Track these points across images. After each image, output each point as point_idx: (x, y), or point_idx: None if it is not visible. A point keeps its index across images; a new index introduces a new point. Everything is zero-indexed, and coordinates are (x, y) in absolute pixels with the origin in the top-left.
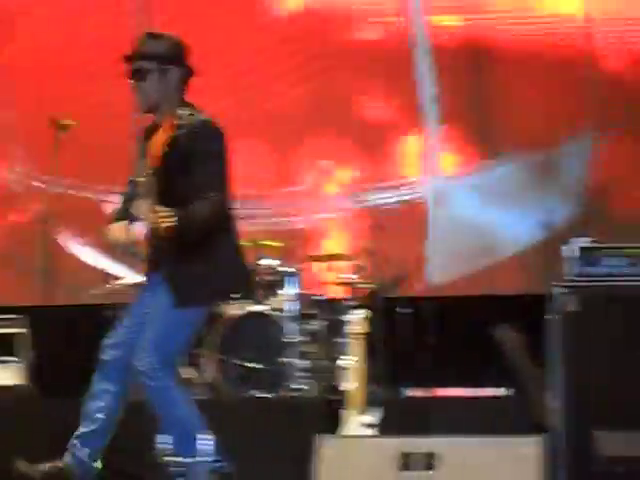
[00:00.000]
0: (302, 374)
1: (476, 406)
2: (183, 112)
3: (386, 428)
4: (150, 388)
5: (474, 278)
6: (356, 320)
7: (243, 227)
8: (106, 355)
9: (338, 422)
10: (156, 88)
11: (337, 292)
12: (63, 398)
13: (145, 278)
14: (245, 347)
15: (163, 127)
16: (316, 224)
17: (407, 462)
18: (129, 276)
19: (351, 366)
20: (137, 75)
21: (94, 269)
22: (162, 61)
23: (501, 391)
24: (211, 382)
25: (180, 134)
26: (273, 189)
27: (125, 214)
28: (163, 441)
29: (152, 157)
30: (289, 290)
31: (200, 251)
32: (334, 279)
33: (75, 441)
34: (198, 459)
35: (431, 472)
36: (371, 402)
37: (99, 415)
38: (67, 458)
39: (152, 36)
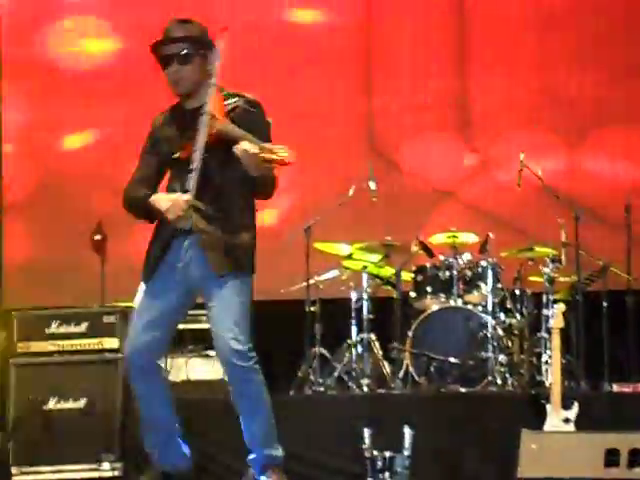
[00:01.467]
0: (502, 369)
1: None
2: (229, 93)
3: (589, 423)
4: (243, 370)
5: None
6: (556, 314)
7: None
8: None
9: (541, 417)
10: (199, 71)
11: (537, 286)
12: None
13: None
14: (444, 341)
15: (212, 108)
16: (514, 216)
17: (612, 458)
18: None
19: (551, 360)
20: (179, 59)
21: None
22: (203, 45)
23: None
24: (409, 376)
25: (237, 114)
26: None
27: (146, 195)
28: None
29: (206, 136)
30: (489, 284)
31: (244, 222)
32: (534, 273)
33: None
34: (402, 453)
35: (638, 469)
36: (570, 397)
37: None
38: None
39: (183, 21)
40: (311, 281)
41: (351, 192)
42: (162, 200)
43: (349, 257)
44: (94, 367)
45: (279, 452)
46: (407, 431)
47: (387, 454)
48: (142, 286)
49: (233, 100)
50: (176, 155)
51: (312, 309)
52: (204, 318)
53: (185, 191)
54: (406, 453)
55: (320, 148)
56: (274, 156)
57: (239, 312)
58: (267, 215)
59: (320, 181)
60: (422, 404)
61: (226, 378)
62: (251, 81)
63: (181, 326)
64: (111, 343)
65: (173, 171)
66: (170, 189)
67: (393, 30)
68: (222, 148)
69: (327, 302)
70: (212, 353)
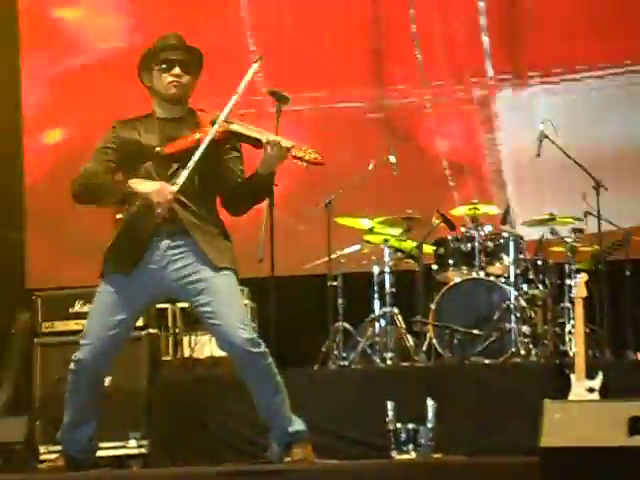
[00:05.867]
0: (525, 339)
1: None
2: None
3: (612, 392)
4: (261, 355)
5: None
6: (579, 284)
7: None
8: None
9: (566, 387)
10: (193, 86)
11: (559, 256)
12: (289, 368)
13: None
14: (467, 313)
15: (197, 121)
16: (533, 187)
17: (636, 426)
18: (349, 247)
19: (574, 330)
20: (183, 66)
21: (312, 241)
22: (200, 67)
23: None
24: (433, 349)
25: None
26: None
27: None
28: (392, 410)
29: (183, 144)
30: (511, 255)
31: (224, 229)
32: (555, 243)
33: None
34: (426, 425)
35: None
36: (594, 366)
37: None
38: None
39: (182, 38)
40: (333, 256)
41: (371, 166)
42: (147, 183)
43: (370, 231)
44: None
45: (303, 426)
46: (430, 403)
47: (411, 426)
48: (105, 284)
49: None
50: (158, 149)
51: (334, 284)
52: None
53: (173, 183)
54: (430, 425)
55: (339, 122)
56: (306, 156)
57: (241, 304)
58: (287, 191)
59: (341, 156)
60: (446, 377)
61: None
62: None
63: None
64: None
65: (144, 166)
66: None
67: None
68: (218, 150)
69: (349, 276)
70: None
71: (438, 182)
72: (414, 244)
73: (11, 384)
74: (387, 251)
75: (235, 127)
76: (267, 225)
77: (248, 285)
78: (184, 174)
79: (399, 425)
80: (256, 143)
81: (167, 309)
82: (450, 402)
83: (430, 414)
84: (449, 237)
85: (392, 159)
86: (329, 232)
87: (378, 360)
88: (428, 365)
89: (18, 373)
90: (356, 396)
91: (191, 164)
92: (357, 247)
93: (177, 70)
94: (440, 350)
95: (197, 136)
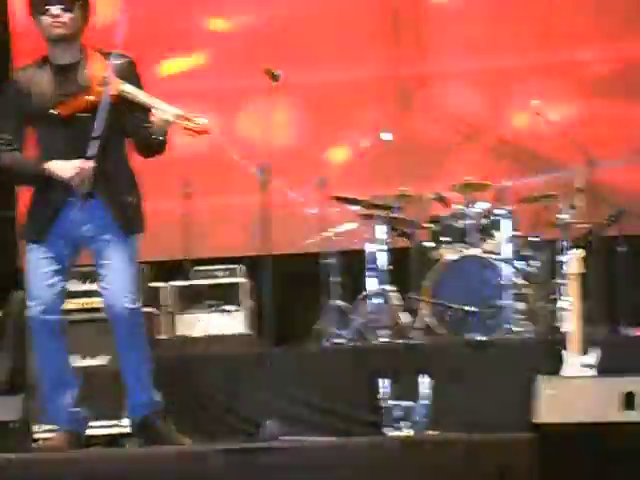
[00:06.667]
0: (519, 316)
1: None
2: (106, 52)
3: (606, 368)
4: (135, 325)
5: None
6: (573, 260)
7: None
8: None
9: (559, 363)
10: (78, 24)
11: (553, 233)
12: (284, 345)
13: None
14: (461, 290)
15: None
16: (529, 163)
17: (630, 401)
18: (344, 224)
19: (569, 307)
20: (64, 3)
21: (309, 218)
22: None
23: None
24: (427, 326)
25: (124, 73)
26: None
27: (35, 161)
28: (384, 386)
29: (77, 106)
30: (504, 232)
31: (133, 181)
32: (549, 219)
33: None
34: (420, 402)
35: None
36: (589, 342)
37: None
38: None
39: None
40: (327, 234)
41: (365, 143)
42: (63, 168)
43: (365, 208)
44: None
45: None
46: (425, 380)
47: (405, 403)
48: (30, 245)
49: (118, 60)
50: (54, 111)
51: (328, 261)
52: (220, 273)
53: (86, 157)
54: (424, 402)
55: (334, 97)
56: (193, 125)
57: (134, 272)
58: (282, 170)
59: (335, 132)
60: (440, 353)
61: (245, 331)
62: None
63: (199, 282)
64: None
65: (43, 128)
66: (43, 147)
67: None
68: (117, 109)
69: (343, 254)
70: (230, 307)
71: (433, 158)
72: (408, 221)
73: (7, 364)
74: (381, 228)
75: (127, 89)
76: (263, 203)
77: (244, 263)
78: (94, 144)
79: (393, 402)
80: (145, 108)
81: (160, 288)
82: (445, 379)
83: (425, 390)
84: (442, 214)
85: (386, 136)
86: (323, 209)
87: (372, 338)
88: (422, 342)
89: (15, 352)
90: (350, 374)
91: (97, 131)
92: (352, 225)
93: (56, 10)
94: (434, 327)
95: (90, 98)
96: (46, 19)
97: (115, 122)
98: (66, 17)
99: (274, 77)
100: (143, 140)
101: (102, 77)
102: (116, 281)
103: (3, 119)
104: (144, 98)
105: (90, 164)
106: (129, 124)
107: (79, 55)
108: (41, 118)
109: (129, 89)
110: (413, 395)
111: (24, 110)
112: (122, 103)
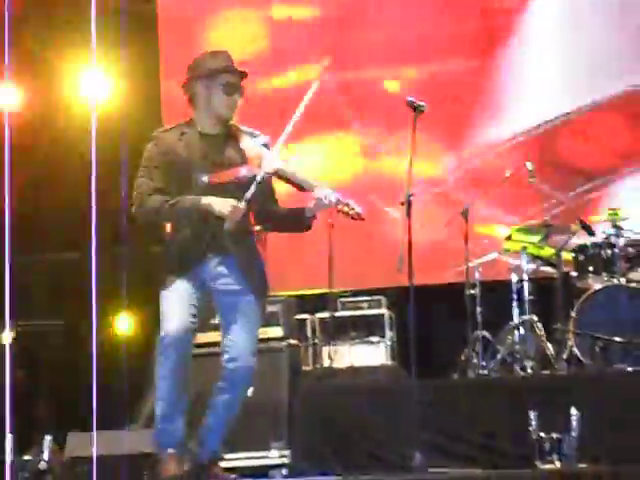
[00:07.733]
0: None
1: None
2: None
3: None
4: (248, 385)
5: None
6: None
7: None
8: None
9: None
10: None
11: None
12: (428, 378)
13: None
14: (608, 320)
15: (236, 140)
16: None
17: None
18: (486, 255)
19: None
20: (241, 91)
21: (447, 249)
22: None
23: None
24: (573, 357)
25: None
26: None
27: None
28: (535, 419)
29: (228, 178)
30: None
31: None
32: None
33: None
34: (571, 434)
35: None
36: None
37: None
38: None
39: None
40: (471, 264)
41: (508, 173)
42: (223, 204)
43: (508, 239)
44: (260, 356)
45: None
46: (574, 412)
47: (555, 436)
48: (175, 280)
49: (264, 139)
50: (205, 178)
51: (472, 292)
52: (365, 305)
53: (246, 200)
54: (574, 434)
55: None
56: (350, 211)
57: (257, 334)
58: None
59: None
60: (588, 385)
61: (389, 362)
62: None
63: (344, 313)
64: (275, 332)
65: (185, 191)
66: None
67: None
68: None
69: (487, 285)
70: (374, 339)
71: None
72: (553, 251)
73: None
74: (525, 258)
75: (285, 167)
76: (406, 236)
77: (386, 295)
78: (251, 191)
79: (542, 434)
80: (302, 189)
81: (306, 320)
82: (593, 411)
83: (574, 423)
84: (588, 243)
85: (529, 165)
86: (467, 240)
87: (518, 368)
88: (569, 373)
89: None
90: (496, 405)
91: (248, 195)
92: (495, 255)
93: (237, 97)
94: (581, 358)
95: (243, 172)
96: (227, 99)
97: (256, 195)
98: (237, 102)
99: (417, 109)
100: (267, 211)
101: (259, 153)
102: (242, 338)
103: (151, 170)
104: (303, 178)
105: (243, 206)
106: (269, 201)
107: (225, 128)
108: (184, 181)
109: (288, 168)
110: (562, 427)
111: (168, 169)
112: (269, 180)
